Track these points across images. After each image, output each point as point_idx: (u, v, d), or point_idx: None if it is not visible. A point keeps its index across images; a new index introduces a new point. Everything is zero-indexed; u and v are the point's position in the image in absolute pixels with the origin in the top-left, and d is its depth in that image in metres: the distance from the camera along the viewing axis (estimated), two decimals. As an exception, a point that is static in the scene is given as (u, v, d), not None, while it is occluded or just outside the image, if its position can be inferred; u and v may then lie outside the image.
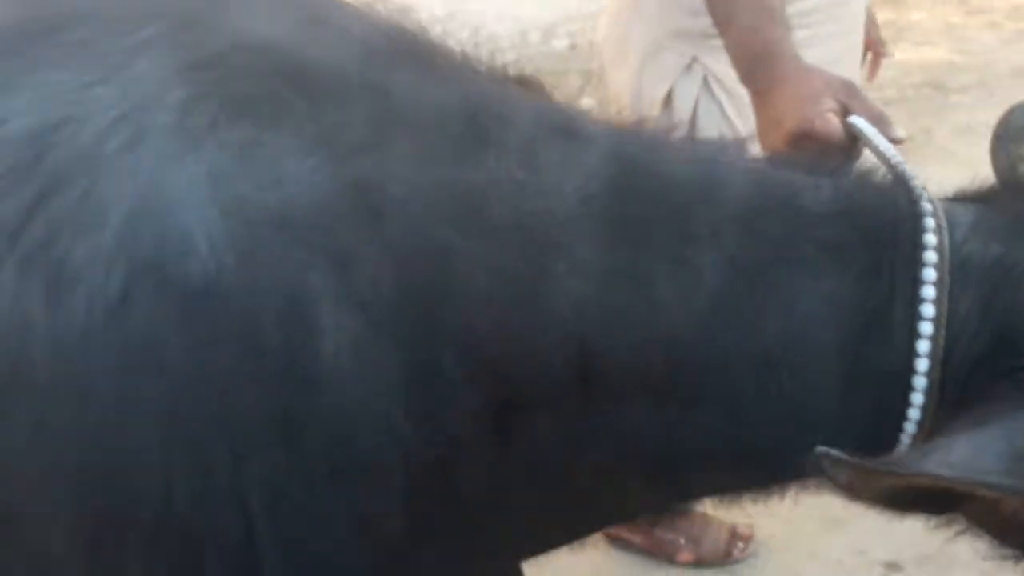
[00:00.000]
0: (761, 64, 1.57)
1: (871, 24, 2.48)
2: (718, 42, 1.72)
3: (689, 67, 2.19)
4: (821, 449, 1.03)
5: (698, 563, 2.51)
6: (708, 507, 2.55)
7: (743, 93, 1.63)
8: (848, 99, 1.45)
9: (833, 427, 1.17)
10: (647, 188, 1.19)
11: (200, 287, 1.00)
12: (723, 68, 2.12)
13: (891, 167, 1.26)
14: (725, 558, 2.51)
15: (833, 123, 1.43)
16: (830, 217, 1.19)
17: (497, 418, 1.13)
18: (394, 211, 1.08)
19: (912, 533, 2.61)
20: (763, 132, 1.53)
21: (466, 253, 1.10)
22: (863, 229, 1.19)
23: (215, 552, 1.06)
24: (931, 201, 1.20)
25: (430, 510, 1.13)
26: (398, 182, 1.09)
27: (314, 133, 1.07)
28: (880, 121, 1.41)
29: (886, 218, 1.20)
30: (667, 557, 2.52)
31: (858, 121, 1.41)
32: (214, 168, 1.02)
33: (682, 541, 2.50)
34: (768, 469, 1.25)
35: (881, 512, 1.14)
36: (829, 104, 1.44)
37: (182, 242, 1.00)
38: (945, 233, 1.17)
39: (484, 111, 1.17)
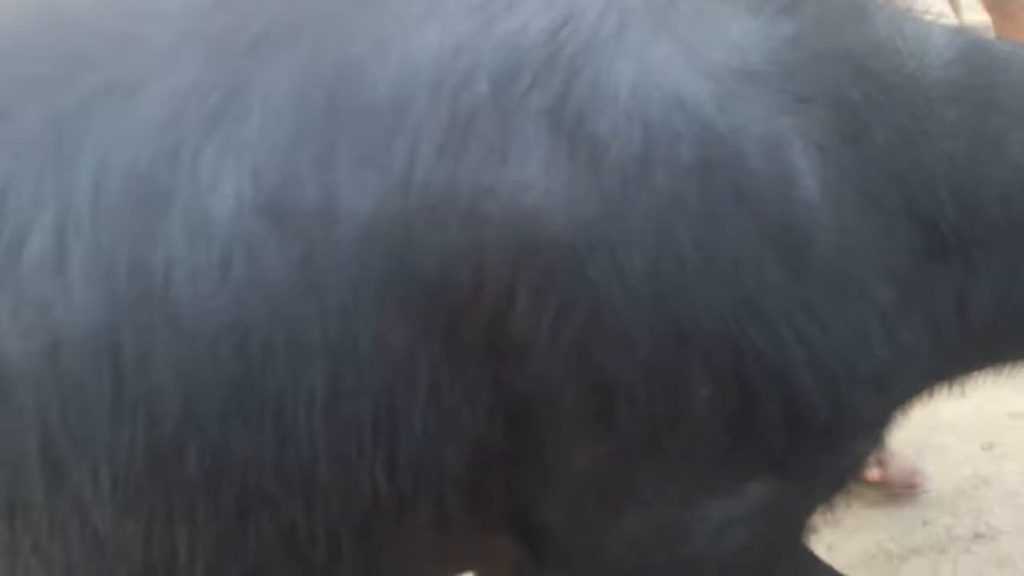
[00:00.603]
0: None
1: None
2: None
3: None
4: None
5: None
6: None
7: None
8: None
9: None
10: (990, 59, 1.39)
11: (701, 138, 1.20)
12: None
13: None
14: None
15: None
16: None
17: (920, 260, 1.32)
18: (813, 67, 1.27)
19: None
20: None
21: (871, 109, 1.29)
22: None
23: (757, 368, 1.24)
24: None
25: (894, 336, 1.31)
26: (815, 43, 1.28)
27: (746, 2, 1.28)
28: None
29: None
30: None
31: None
32: (682, 38, 1.23)
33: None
34: None
35: None
36: None
37: (678, 102, 1.20)
38: None
39: None
